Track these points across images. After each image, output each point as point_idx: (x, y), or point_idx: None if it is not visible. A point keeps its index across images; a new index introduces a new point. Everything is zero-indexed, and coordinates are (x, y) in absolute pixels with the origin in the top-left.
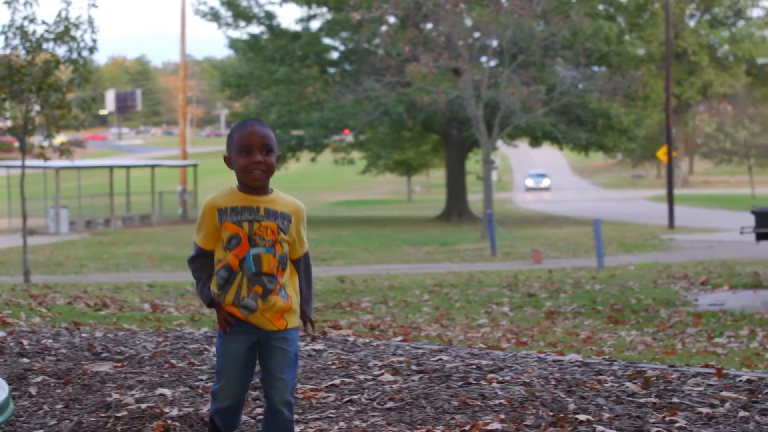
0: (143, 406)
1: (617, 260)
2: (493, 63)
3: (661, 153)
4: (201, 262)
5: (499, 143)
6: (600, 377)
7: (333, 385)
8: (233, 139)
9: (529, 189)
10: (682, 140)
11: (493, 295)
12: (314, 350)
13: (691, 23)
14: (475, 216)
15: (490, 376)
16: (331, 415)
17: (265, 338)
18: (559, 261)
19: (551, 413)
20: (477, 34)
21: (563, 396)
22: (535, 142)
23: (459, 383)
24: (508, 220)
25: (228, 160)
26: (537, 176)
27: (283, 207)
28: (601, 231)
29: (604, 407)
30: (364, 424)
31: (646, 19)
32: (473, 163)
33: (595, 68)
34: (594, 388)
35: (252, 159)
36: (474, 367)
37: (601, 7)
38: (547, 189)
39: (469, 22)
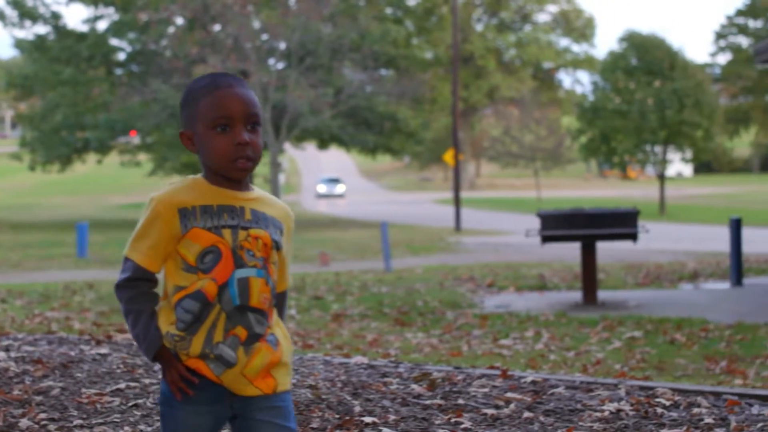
0: None
1: (404, 263)
2: (281, 65)
3: (448, 156)
4: (140, 289)
5: (287, 145)
6: (386, 379)
7: (118, 389)
8: (198, 106)
9: (321, 196)
10: (469, 143)
11: None
12: (99, 354)
13: (479, 27)
14: None
15: None
16: (116, 420)
17: (242, 410)
18: (347, 263)
19: (337, 416)
20: (265, 37)
21: (349, 398)
22: (323, 144)
23: None
24: (295, 222)
25: (187, 138)
26: (330, 182)
27: (273, 210)
28: (388, 233)
29: (390, 409)
30: (149, 429)
31: (433, 23)
32: (261, 166)
33: (383, 71)
34: (380, 390)
35: (235, 138)
36: None
37: (389, 10)
38: (341, 196)
39: (257, 24)
